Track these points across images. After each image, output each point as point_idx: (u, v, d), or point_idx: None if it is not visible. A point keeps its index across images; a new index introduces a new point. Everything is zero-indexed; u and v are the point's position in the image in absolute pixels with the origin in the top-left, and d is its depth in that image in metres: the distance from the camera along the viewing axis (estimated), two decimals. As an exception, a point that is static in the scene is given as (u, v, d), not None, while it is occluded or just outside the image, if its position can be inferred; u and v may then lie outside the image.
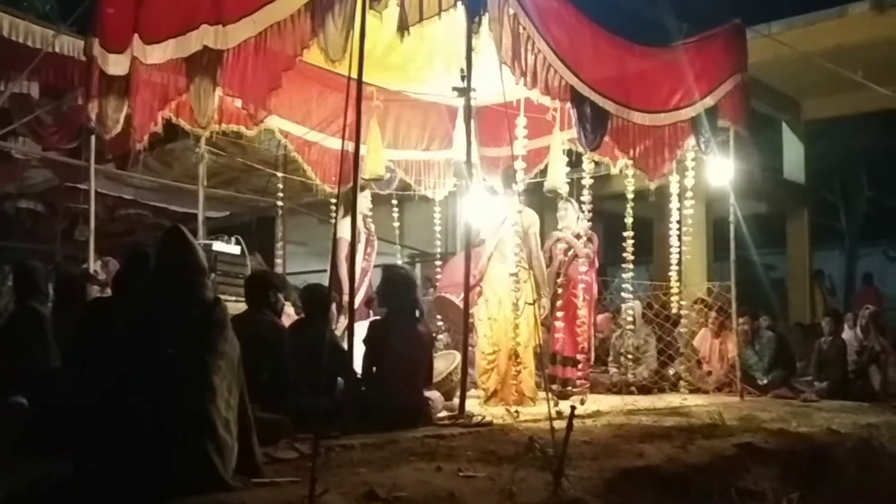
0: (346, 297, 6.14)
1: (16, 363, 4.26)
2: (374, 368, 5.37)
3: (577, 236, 7.39)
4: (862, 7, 11.78)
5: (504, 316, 6.56)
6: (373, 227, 7.93)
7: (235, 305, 5.08)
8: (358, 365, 5.27)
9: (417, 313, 5.53)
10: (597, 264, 7.68)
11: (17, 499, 2.97)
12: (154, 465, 2.95)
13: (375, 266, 7.72)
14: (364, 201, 7.67)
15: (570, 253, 7.39)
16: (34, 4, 12.36)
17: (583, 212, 7.41)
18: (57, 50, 8.05)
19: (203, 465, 3.02)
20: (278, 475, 3.41)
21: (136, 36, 6.26)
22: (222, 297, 4.30)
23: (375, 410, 4.99)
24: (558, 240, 7.49)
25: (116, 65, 6.37)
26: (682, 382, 8.21)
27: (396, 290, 5.55)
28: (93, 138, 7.50)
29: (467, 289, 5.70)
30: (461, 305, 6.53)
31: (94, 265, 7.57)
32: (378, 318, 5.61)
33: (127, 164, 9.99)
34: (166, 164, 10.41)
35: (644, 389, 8.26)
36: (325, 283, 6.07)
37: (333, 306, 6.68)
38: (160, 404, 3.06)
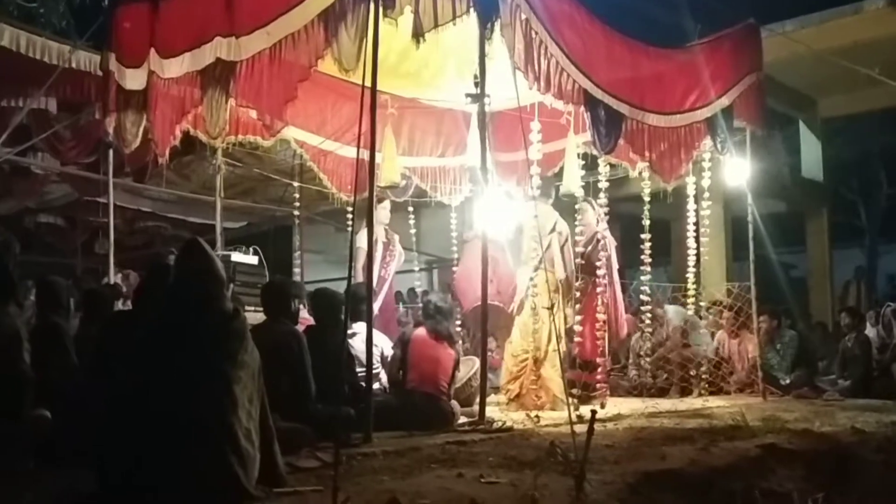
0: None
1: (38, 376, 4.29)
2: (401, 372, 5.70)
3: (596, 239, 7.38)
4: (877, 3, 11.68)
5: (542, 323, 6.64)
6: (396, 237, 7.97)
7: (254, 315, 5.10)
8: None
9: (450, 335, 5.92)
10: (615, 266, 7.66)
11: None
12: (177, 477, 2.97)
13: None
14: (383, 212, 7.72)
15: (586, 252, 7.39)
16: (50, 21, 12.46)
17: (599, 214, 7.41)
18: (73, 65, 8.13)
19: (226, 476, 3.03)
20: (300, 484, 3.42)
21: (152, 50, 6.33)
22: (241, 307, 4.31)
23: (401, 413, 5.16)
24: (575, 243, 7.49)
25: (133, 79, 6.44)
26: (702, 384, 8.17)
27: (436, 314, 5.88)
28: (111, 152, 7.58)
29: (485, 294, 5.70)
30: (509, 312, 6.86)
31: (114, 278, 7.64)
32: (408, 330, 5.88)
33: (145, 177, 10.06)
34: (184, 176, 10.48)
35: (663, 392, 8.23)
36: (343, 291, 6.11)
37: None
38: (182, 416, 3.08)
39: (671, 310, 8.68)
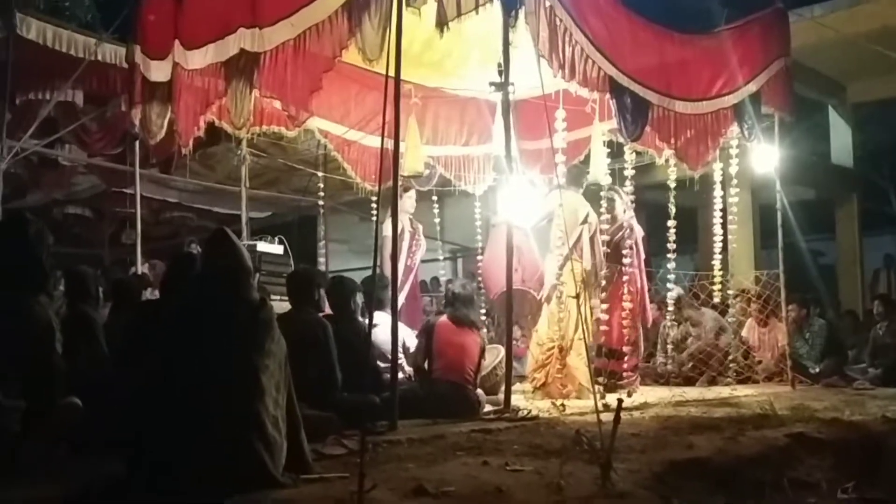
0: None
1: (68, 365, 4.35)
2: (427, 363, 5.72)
3: (624, 228, 7.34)
4: (908, -14, 11.47)
5: (568, 312, 6.63)
6: (420, 227, 7.97)
7: (280, 304, 5.13)
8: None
9: (474, 322, 5.96)
10: (642, 255, 7.62)
11: (74, 499, 3.03)
12: (205, 464, 2.99)
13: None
14: (409, 202, 7.73)
15: (613, 241, 7.35)
16: (76, 14, 12.58)
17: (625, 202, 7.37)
18: (99, 58, 8.19)
19: (253, 463, 3.06)
20: (327, 471, 3.44)
21: (176, 42, 6.36)
22: (267, 296, 4.33)
23: (427, 402, 5.20)
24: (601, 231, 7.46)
25: (159, 71, 6.47)
26: (730, 372, 8.12)
27: (459, 302, 5.90)
28: (137, 143, 7.63)
29: (509, 283, 5.70)
30: (539, 298, 6.93)
31: (141, 268, 7.71)
32: (432, 318, 5.88)
33: (171, 168, 10.13)
34: (209, 166, 10.54)
35: (691, 381, 8.19)
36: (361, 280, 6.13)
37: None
38: (210, 404, 3.10)
39: (709, 313, 8.62)
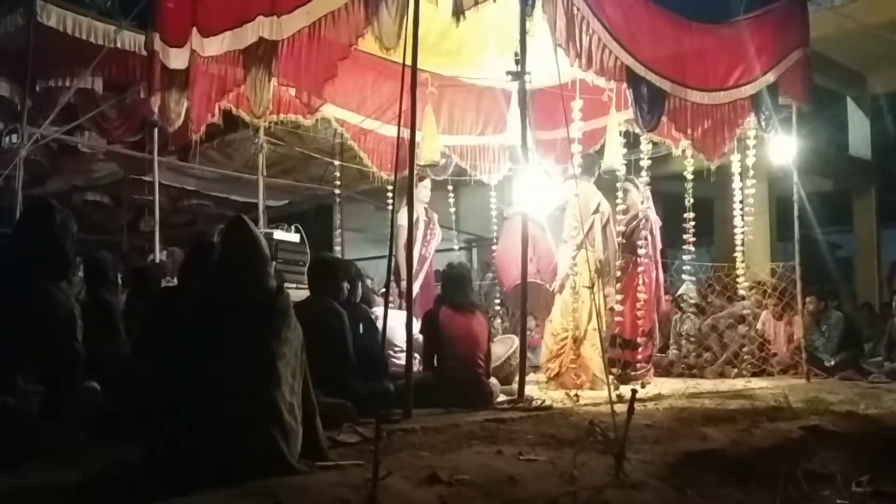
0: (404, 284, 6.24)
1: (87, 351, 4.40)
2: (435, 356, 5.64)
3: (639, 218, 7.32)
4: (929, -25, 11.34)
5: (582, 302, 6.64)
6: (435, 216, 7.99)
7: (296, 292, 5.15)
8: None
9: (475, 303, 5.91)
10: (658, 245, 7.61)
11: (93, 482, 3.07)
12: (222, 450, 3.02)
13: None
14: (424, 191, 7.74)
15: (628, 231, 7.33)
16: (95, 1, 12.60)
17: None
18: (119, 45, 8.22)
19: (270, 450, 3.08)
20: (342, 459, 3.46)
21: (194, 29, 6.38)
22: (283, 284, 4.36)
23: (439, 391, 5.21)
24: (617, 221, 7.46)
25: (177, 58, 6.50)
26: (744, 364, 8.10)
27: (456, 285, 5.82)
28: (156, 131, 7.67)
29: (524, 273, 5.70)
30: (552, 290, 6.89)
31: (159, 255, 7.75)
32: (433, 308, 5.85)
33: (189, 156, 10.17)
34: (227, 154, 10.58)
35: (705, 371, 8.18)
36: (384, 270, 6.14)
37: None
38: (226, 391, 3.13)
39: (739, 306, 8.62)
